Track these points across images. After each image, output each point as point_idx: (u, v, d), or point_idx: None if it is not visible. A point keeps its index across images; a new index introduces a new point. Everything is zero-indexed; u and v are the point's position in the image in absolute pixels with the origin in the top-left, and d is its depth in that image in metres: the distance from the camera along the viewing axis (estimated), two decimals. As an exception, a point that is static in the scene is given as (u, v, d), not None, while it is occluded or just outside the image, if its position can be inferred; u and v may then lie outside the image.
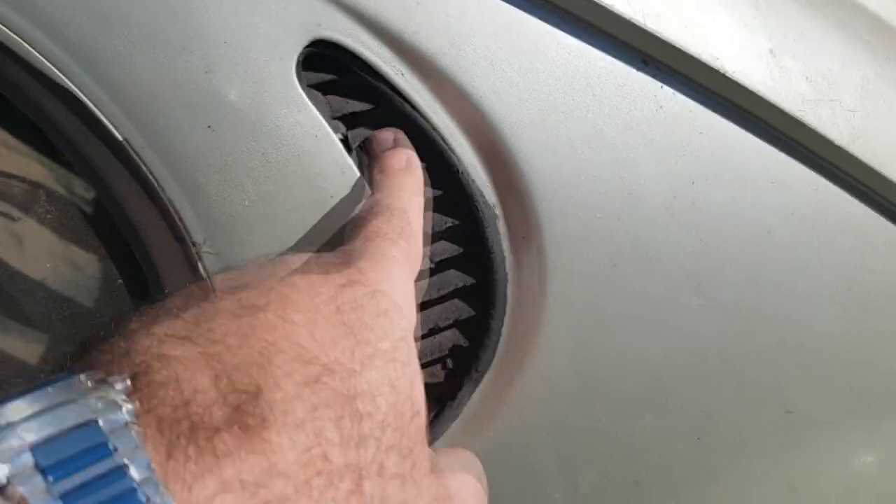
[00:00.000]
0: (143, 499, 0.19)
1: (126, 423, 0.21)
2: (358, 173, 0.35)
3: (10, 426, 0.19)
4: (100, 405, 0.21)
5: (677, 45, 0.37)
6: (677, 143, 0.39)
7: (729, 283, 0.41)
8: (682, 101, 0.38)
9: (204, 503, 0.20)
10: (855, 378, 0.46)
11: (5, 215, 0.38)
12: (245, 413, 0.22)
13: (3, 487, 0.18)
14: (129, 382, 0.22)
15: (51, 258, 0.38)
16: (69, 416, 0.20)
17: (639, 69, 0.38)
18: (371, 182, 0.35)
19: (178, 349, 0.23)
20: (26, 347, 0.39)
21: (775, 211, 0.41)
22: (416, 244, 0.33)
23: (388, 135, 0.36)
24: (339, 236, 0.34)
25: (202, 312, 0.25)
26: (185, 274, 0.34)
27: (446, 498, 0.29)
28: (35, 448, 0.19)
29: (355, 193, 0.35)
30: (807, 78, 0.41)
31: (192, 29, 0.32)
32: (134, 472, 0.20)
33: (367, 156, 0.36)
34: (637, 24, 0.36)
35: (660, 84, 0.38)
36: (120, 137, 0.32)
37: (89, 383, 0.21)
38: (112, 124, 0.32)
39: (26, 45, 0.31)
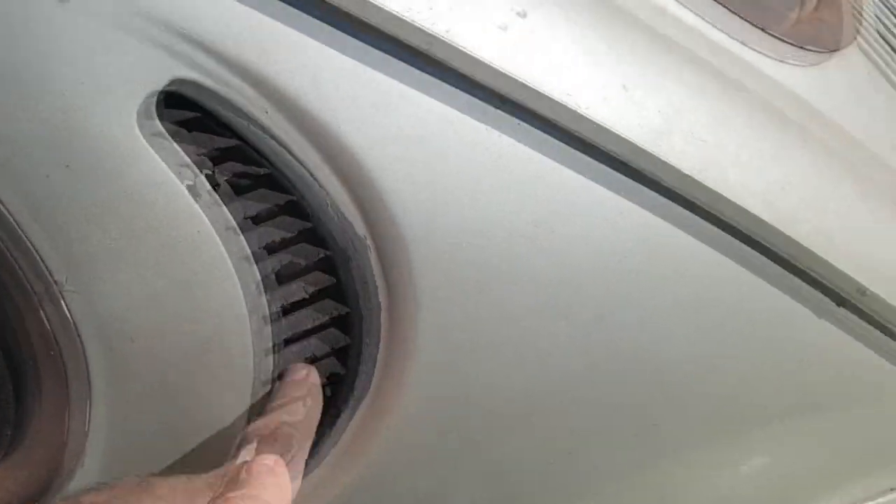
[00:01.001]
0: None
1: None
2: (205, 220, 0.36)
3: None
4: None
5: (531, 86, 0.39)
6: (536, 175, 0.41)
7: (588, 307, 0.43)
8: (539, 135, 0.40)
9: None
10: (715, 395, 0.49)
11: None
12: None
13: None
14: None
15: None
16: None
17: (496, 107, 0.39)
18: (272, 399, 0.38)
19: None
20: None
21: (627, 239, 0.43)
22: (292, 469, 0.35)
23: (300, 370, 0.39)
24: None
25: None
26: (48, 313, 0.34)
27: None
28: None
29: (209, 251, 0.36)
30: (658, 111, 0.44)
31: (52, 70, 0.32)
32: None
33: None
34: (492, 65, 0.38)
35: (517, 121, 0.40)
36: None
37: None
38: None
39: None
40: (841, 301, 0.51)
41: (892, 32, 0.69)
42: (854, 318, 0.52)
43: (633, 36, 0.44)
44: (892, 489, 0.59)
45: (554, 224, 0.41)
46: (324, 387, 0.42)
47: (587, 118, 0.41)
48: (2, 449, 0.36)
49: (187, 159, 0.36)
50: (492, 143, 0.40)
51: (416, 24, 0.36)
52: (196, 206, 0.36)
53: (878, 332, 0.53)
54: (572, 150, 0.42)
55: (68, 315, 0.34)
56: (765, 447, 0.54)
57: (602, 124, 0.41)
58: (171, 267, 0.36)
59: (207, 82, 0.35)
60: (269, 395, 0.40)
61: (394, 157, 0.38)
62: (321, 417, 0.41)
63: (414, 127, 0.38)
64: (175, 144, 0.36)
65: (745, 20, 0.51)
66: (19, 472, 0.36)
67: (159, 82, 0.34)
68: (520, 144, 0.41)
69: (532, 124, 0.41)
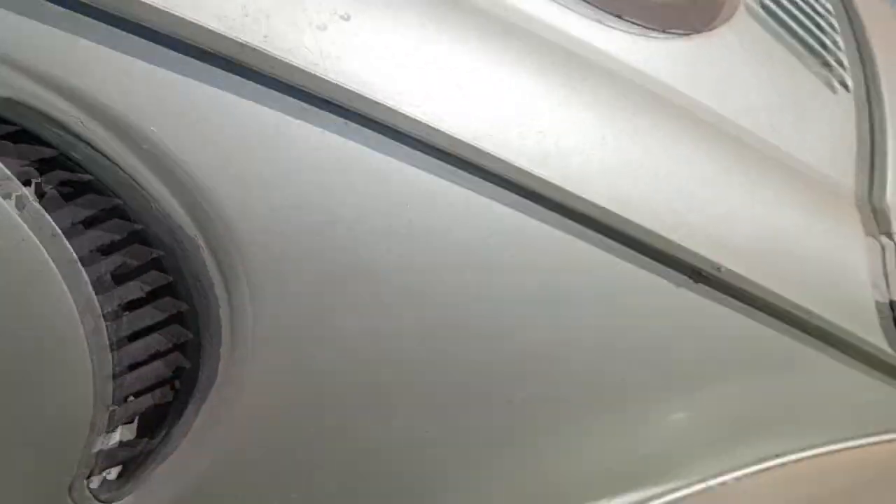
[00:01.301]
0: None
1: None
2: (28, 231, 0.37)
3: None
4: None
5: (354, 89, 0.40)
6: (374, 171, 0.42)
7: (433, 295, 0.45)
8: (365, 133, 0.42)
9: None
10: (577, 368, 0.51)
11: None
12: None
13: None
14: None
15: None
16: None
17: (319, 107, 0.41)
18: None
19: None
20: None
21: (473, 230, 0.45)
22: None
23: None
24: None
25: None
26: None
27: None
28: None
29: (30, 259, 0.37)
30: (494, 105, 0.45)
31: None
32: None
33: None
34: (312, 70, 0.39)
35: (344, 121, 0.41)
36: None
37: None
38: None
39: None
40: (698, 276, 0.53)
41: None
42: (715, 291, 0.54)
43: (467, 32, 0.45)
44: (776, 455, 0.61)
45: (412, 216, 0.43)
46: (173, 381, 0.44)
47: (416, 119, 0.42)
48: None
49: (7, 172, 0.37)
50: (322, 143, 0.41)
51: (226, 35, 0.37)
52: (17, 217, 0.37)
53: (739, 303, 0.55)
54: (405, 148, 0.43)
55: None
56: (641, 418, 0.57)
57: (431, 124, 0.42)
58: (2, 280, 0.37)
59: (20, 97, 0.36)
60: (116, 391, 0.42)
61: (216, 159, 0.39)
62: (172, 409, 0.43)
63: (235, 126, 0.39)
64: (14, 146, 0.37)
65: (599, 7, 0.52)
66: None
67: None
68: (351, 143, 0.42)
69: (364, 125, 0.42)
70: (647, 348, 0.53)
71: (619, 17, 0.56)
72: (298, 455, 0.46)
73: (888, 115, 0.69)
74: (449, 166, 0.44)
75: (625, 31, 0.56)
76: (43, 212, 0.38)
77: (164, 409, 0.44)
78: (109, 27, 0.36)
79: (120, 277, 0.42)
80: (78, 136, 0.37)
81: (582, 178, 0.48)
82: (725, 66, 0.58)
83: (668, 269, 0.52)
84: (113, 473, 0.46)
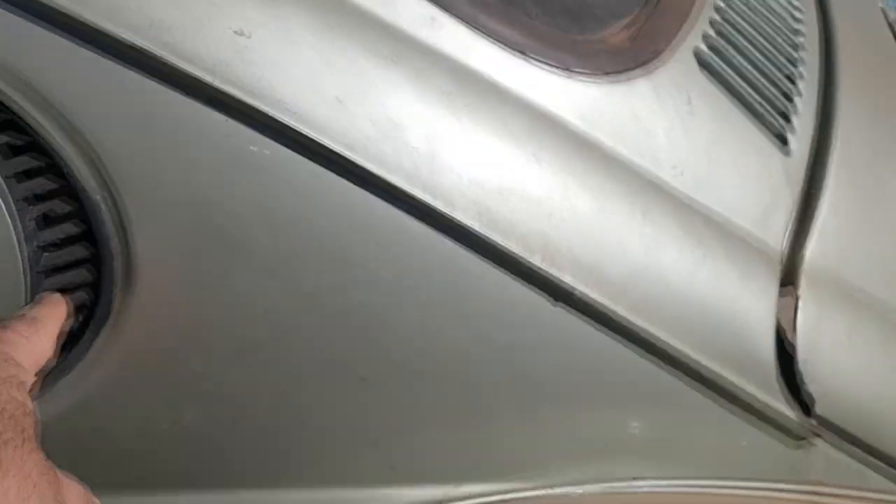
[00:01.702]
0: None
1: None
2: None
3: None
4: None
5: (239, 96, 0.48)
6: (247, 164, 0.50)
7: (300, 276, 0.53)
8: (251, 135, 0.50)
9: None
10: (420, 356, 0.57)
11: None
12: None
13: None
14: None
15: None
16: None
17: (205, 107, 0.49)
18: None
19: None
20: None
21: (340, 226, 0.52)
22: (36, 344, 0.48)
23: None
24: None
25: None
26: None
27: (55, 479, 0.41)
28: None
29: None
30: (371, 121, 0.52)
31: None
32: None
33: None
34: (202, 77, 0.47)
35: (225, 118, 0.49)
36: None
37: None
38: None
39: None
40: (562, 298, 0.58)
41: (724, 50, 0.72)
42: (582, 315, 0.59)
43: (354, 53, 0.52)
44: (633, 478, 0.65)
45: (264, 207, 0.51)
46: (78, 313, 0.54)
47: (292, 126, 0.49)
48: None
49: None
50: (201, 138, 0.50)
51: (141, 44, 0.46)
52: None
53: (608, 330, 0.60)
54: (287, 151, 0.51)
55: None
56: (491, 417, 0.62)
57: (306, 132, 0.50)
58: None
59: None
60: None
61: (125, 138, 0.49)
62: (76, 336, 0.54)
63: (133, 111, 0.48)
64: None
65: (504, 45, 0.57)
66: None
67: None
68: (229, 139, 0.50)
69: (246, 124, 0.50)
70: (505, 352, 0.58)
71: (543, 51, 0.61)
72: (169, 386, 0.55)
73: (830, 178, 0.69)
74: (326, 167, 0.51)
75: (545, 66, 0.61)
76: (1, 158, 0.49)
77: (69, 338, 0.54)
78: (38, 20, 0.46)
79: (51, 220, 0.52)
80: (13, 109, 0.47)
81: (451, 194, 0.54)
82: (637, 111, 0.62)
83: (533, 286, 0.57)
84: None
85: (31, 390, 0.45)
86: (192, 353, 0.54)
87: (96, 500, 0.47)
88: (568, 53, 0.61)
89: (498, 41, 0.57)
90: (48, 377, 0.54)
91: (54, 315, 0.51)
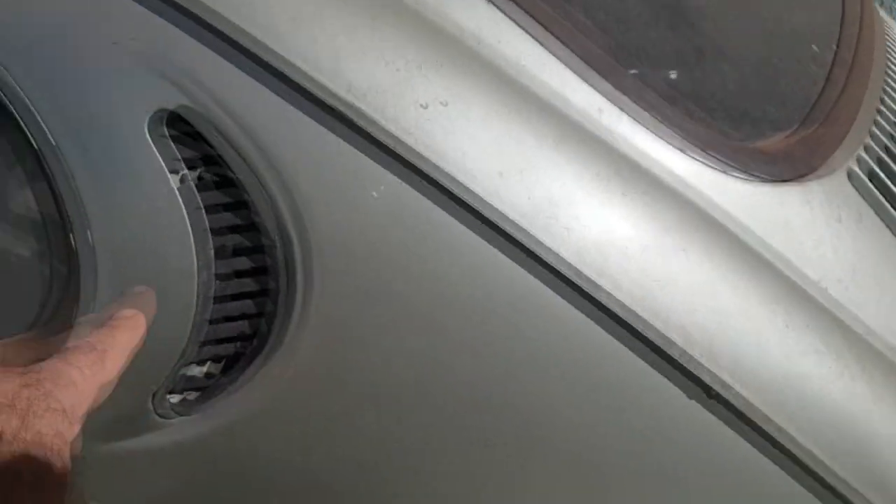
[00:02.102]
0: None
1: None
2: (180, 200, 0.54)
3: None
4: None
5: (412, 161, 0.52)
6: (404, 219, 0.54)
7: (448, 335, 0.55)
8: (407, 190, 0.53)
9: None
10: (548, 433, 0.58)
11: None
12: None
13: None
14: None
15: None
16: None
17: (384, 168, 0.53)
18: (102, 322, 0.49)
19: None
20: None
21: (485, 291, 0.55)
22: (99, 379, 0.44)
23: (129, 311, 0.50)
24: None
25: None
26: (67, 240, 0.54)
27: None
28: None
29: (178, 225, 0.53)
30: (528, 198, 0.54)
31: (86, 87, 0.52)
32: None
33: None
34: (384, 141, 0.52)
35: (399, 181, 0.53)
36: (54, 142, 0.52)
37: None
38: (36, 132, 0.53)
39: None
40: (708, 392, 0.58)
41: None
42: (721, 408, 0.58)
43: (523, 135, 0.55)
44: None
45: (423, 257, 0.54)
46: (236, 341, 0.58)
47: (476, 194, 0.53)
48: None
49: (178, 155, 0.54)
50: (385, 182, 0.54)
51: (346, 100, 0.51)
52: (176, 189, 0.54)
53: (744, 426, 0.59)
54: (466, 215, 0.54)
55: (74, 247, 0.54)
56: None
57: (484, 198, 0.53)
58: (150, 225, 0.54)
59: (196, 106, 0.53)
60: (195, 333, 0.56)
61: (309, 183, 0.53)
62: (242, 362, 0.58)
63: (330, 163, 0.53)
64: (171, 143, 0.55)
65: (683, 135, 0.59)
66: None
67: (158, 105, 0.53)
68: (408, 198, 0.54)
69: (408, 182, 0.54)
70: (639, 439, 0.58)
71: (703, 150, 0.62)
72: (309, 422, 0.58)
73: None
74: (476, 232, 0.54)
75: (703, 164, 0.62)
76: (195, 190, 0.54)
77: (239, 357, 0.58)
78: (250, 69, 0.52)
79: (236, 251, 0.57)
80: (231, 144, 0.53)
81: (615, 277, 0.55)
82: (789, 219, 0.62)
83: (680, 378, 0.57)
84: (192, 396, 0.61)
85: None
86: (337, 392, 0.57)
87: None
88: (725, 153, 0.62)
89: (658, 135, 0.59)
90: (207, 396, 0.58)
91: (127, 344, 0.48)
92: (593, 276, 0.55)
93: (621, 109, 0.59)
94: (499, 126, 0.55)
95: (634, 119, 0.59)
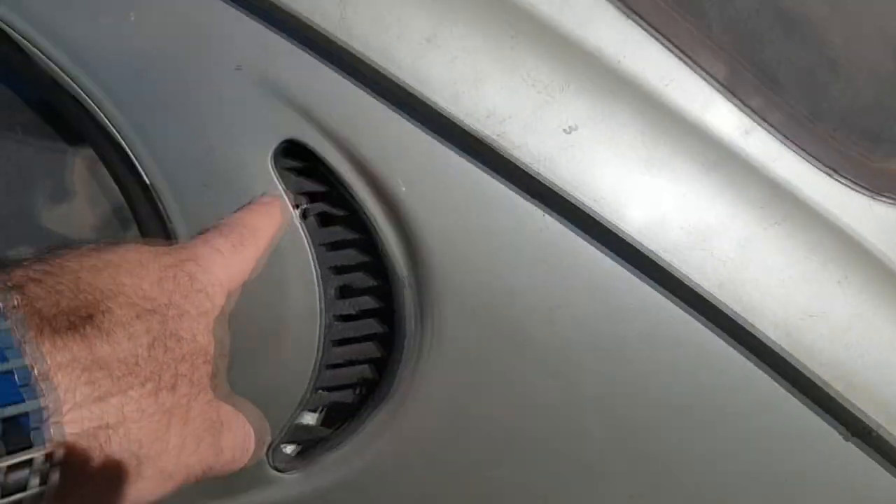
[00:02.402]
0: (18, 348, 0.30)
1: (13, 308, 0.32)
2: (303, 234, 0.49)
3: None
4: None
5: (558, 190, 0.47)
6: (550, 262, 0.49)
7: (584, 382, 0.51)
8: (561, 229, 0.49)
9: (55, 366, 0.32)
10: (696, 487, 0.53)
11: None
12: (90, 323, 0.34)
13: None
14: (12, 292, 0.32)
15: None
16: None
17: (527, 199, 0.49)
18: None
19: (32, 286, 0.33)
20: None
21: (633, 329, 0.50)
22: (239, 263, 0.44)
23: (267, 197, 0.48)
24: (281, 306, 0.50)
25: (50, 267, 0.35)
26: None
27: (217, 423, 0.41)
28: None
29: (300, 258, 0.49)
30: (681, 228, 0.50)
31: (206, 117, 0.48)
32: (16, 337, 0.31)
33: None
34: (528, 169, 0.47)
35: (542, 213, 0.49)
36: (148, 182, 0.48)
37: None
38: (144, 172, 0.48)
39: (99, 112, 0.48)
40: (857, 432, 0.53)
41: None
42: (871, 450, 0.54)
43: (673, 160, 0.51)
44: None
45: (562, 304, 0.49)
46: (357, 386, 0.54)
47: (607, 224, 0.49)
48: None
49: (301, 189, 0.50)
50: (520, 230, 0.49)
51: (470, 127, 0.47)
52: (300, 224, 0.49)
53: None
54: (593, 248, 0.50)
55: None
56: None
57: (619, 231, 0.49)
58: (270, 264, 0.49)
59: (311, 145, 0.49)
60: (315, 378, 0.52)
61: (439, 223, 0.49)
62: (365, 409, 0.53)
63: (459, 203, 0.49)
64: (296, 177, 0.50)
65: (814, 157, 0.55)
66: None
67: (285, 136, 0.48)
68: (542, 232, 0.49)
69: (558, 219, 0.49)
70: (786, 483, 0.54)
71: (854, 173, 0.57)
72: (436, 474, 0.53)
73: None
74: (628, 268, 0.50)
75: (851, 188, 0.57)
76: (317, 226, 0.50)
77: (347, 408, 0.54)
78: (381, 99, 0.48)
79: (359, 291, 0.53)
80: (342, 181, 0.49)
81: (756, 310, 0.51)
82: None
83: (828, 416, 0.53)
84: (289, 449, 0.56)
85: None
86: (466, 443, 0.52)
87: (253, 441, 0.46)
88: (873, 175, 0.57)
89: (808, 157, 0.55)
90: (311, 449, 0.54)
91: (266, 230, 0.46)
92: (751, 318, 0.50)
93: (768, 131, 0.54)
94: (646, 151, 0.50)
95: (782, 141, 0.54)
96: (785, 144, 0.54)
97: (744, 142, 0.53)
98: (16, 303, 0.32)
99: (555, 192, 0.48)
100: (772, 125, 0.54)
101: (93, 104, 0.48)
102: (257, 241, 0.45)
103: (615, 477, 0.53)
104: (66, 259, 0.36)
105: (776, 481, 0.53)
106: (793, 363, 0.51)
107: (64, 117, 0.53)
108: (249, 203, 0.47)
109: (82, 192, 0.57)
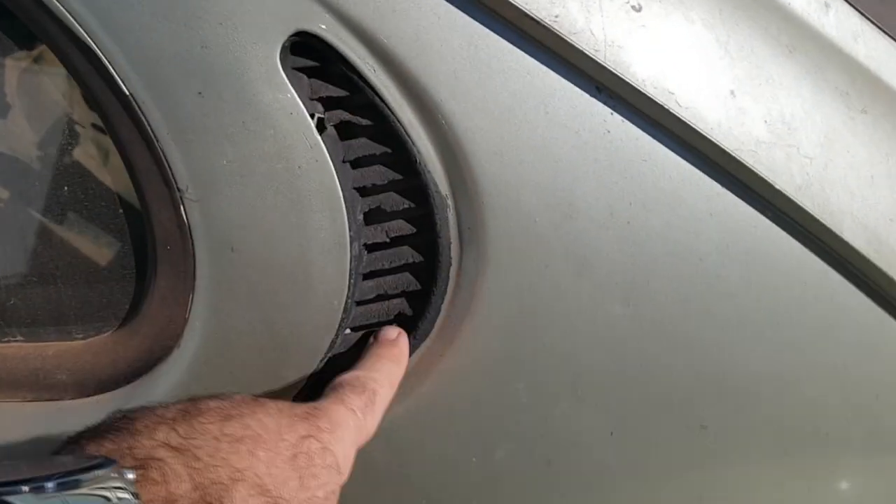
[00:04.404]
0: None
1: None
2: (325, 152, 0.41)
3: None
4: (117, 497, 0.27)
5: (629, 80, 0.40)
6: (620, 166, 0.42)
7: (655, 299, 0.44)
8: (630, 128, 0.42)
9: None
10: (775, 410, 0.49)
11: (98, 127, 0.44)
12: None
13: None
14: (134, 476, 0.29)
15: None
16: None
17: (592, 95, 0.41)
18: (363, 355, 0.43)
19: (170, 457, 0.31)
20: (98, 250, 0.46)
21: (710, 241, 0.44)
22: (371, 421, 0.41)
23: (392, 332, 0.44)
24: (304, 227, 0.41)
25: (192, 430, 0.33)
26: (170, 214, 0.41)
27: None
28: None
29: (323, 181, 0.40)
30: (765, 121, 0.43)
31: (194, 7, 0.38)
32: None
33: (373, 339, 0.45)
34: (592, 56, 0.39)
35: (609, 110, 0.41)
36: (126, 92, 0.38)
37: (112, 474, 0.28)
38: (122, 80, 0.38)
39: (56, 3, 0.37)
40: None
41: None
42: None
43: (753, 41, 0.43)
44: None
45: (630, 216, 0.43)
46: (391, 322, 0.46)
47: (683, 120, 0.41)
48: (119, 320, 0.44)
49: (317, 96, 0.41)
50: (582, 131, 0.42)
51: (523, 9, 0.38)
52: (318, 137, 0.40)
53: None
54: (662, 147, 0.43)
55: (185, 219, 0.41)
56: (842, 475, 0.53)
57: (697, 127, 0.41)
58: (284, 189, 0.41)
59: (328, 36, 0.39)
60: (345, 318, 0.45)
61: (484, 130, 0.41)
62: None
63: (507, 106, 0.41)
64: (308, 80, 0.41)
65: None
66: (129, 340, 0.43)
67: (297, 26, 0.39)
68: (608, 135, 0.42)
69: (626, 116, 0.42)
70: (867, 406, 0.49)
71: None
72: (487, 417, 0.47)
73: None
74: (705, 171, 0.43)
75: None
76: (337, 138, 0.41)
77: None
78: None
79: (391, 214, 0.44)
80: (367, 83, 0.40)
81: (838, 214, 0.45)
82: None
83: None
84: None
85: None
86: (521, 381, 0.46)
87: None
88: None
89: (888, 32, 0.48)
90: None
91: (398, 372, 0.44)
92: (833, 223, 0.44)
93: (848, 3, 0.47)
94: (725, 31, 0.43)
95: (861, 14, 0.47)
96: (865, 19, 0.47)
97: (824, 18, 0.46)
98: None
99: (622, 83, 0.41)
100: (851, -2, 0.47)
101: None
102: (389, 394, 0.42)
103: (689, 407, 0.47)
104: (208, 424, 0.34)
105: (861, 392, 0.49)
106: (880, 272, 0.46)
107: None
108: (379, 340, 0.44)
109: (19, 106, 0.46)
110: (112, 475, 0.28)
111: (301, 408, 0.38)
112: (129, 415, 0.33)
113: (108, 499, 0.27)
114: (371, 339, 0.45)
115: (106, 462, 0.28)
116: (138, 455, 0.30)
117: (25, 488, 0.25)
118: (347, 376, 0.42)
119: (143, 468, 0.30)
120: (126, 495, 0.27)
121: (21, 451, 0.43)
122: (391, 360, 0.43)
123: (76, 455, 0.30)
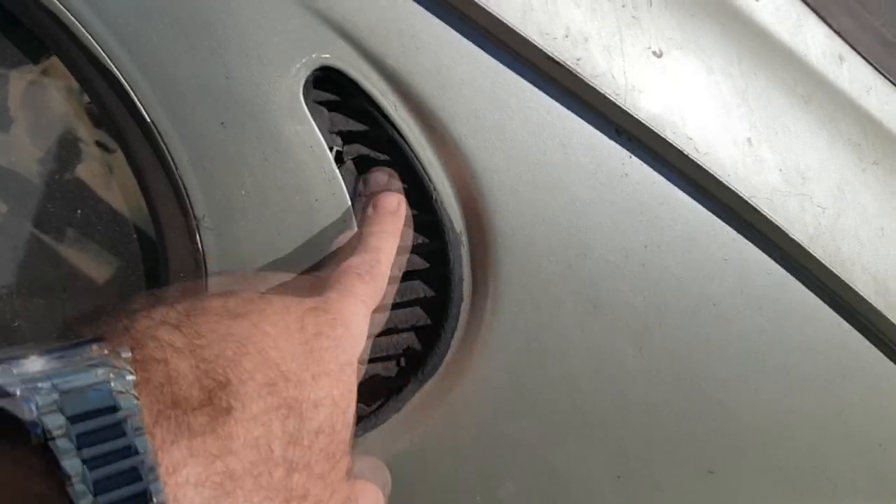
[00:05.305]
0: (135, 451, 0.24)
1: (127, 390, 0.26)
2: (343, 186, 0.41)
3: (43, 376, 0.24)
4: (111, 373, 0.26)
5: (648, 125, 0.40)
6: (636, 209, 0.42)
7: (666, 343, 0.44)
8: (648, 172, 0.42)
9: (175, 463, 0.26)
10: (783, 457, 0.48)
11: (102, 145, 0.44)
12: (215, 399, 0.28)
13: (31, 422, 0.23)
14: (130, 354, 0.27)
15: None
16: (87, 377, 0.25)
17: (611, 137, 0.41)
18: (360, 215, 0.41)
19: (169, 335, 0.29)
20: (99, 268, 0.46)
21: (724, 286, 0.44)
22: (380, 283, 0.38)
23: (383, 175, 0.41)
24: (319, 258, 0.40)
25: (193, 308, 0.31)
26: (185, 242, 0.41)
27: (352, 500, 0.35)
28: (62, 395, 0.24)
29: (340, 215, 0.41)
30: (780, 170, 0.43)
31: (220, 38, 0.38)
32: (130, 428, 0.25)
33: (363, 188, 0.41)
34: (613, 99, 0.40)
35: (628, 154, 0.41)
36: (148, 119, 0.38)
37: (104, 351, 0.26)
38: (143, 106, 0.38)
39: (80, 27, 0.37)
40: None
41: None
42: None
43: (770, 91, 0.44)
44: None
45: (645, 258, 0.43)
46: (399, 357, 0.46)
47: (701, 165, 0.42)
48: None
49: (336, 129, 0.41)
50: (599, 173, 0.42)
51: (545, 50, 0.39)
52: (336, 170, 0.40)
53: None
54: (679, 192, 0.43)
55: (200, 247, 0.40)
56: None
57: (713, 172, 0.42)
58: (301, 221, 0.41)
59: (350, 71, 0.39)
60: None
61: (501, 168, 0.41)
62: (390, 388, 0.46)
63: (526, 145, 0.41)
64: (328, 114, 0.41)
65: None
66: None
67: (322, 62, 0.39)
68: (626, 178, 0.42)
69: (644, 160, 0.42)
70: (868, 456, 0.49)
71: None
72: (493, 453, 0.47)
73: None
74: (721, 217, 0.43)
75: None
76: (355, 171, 0.41)
77: (386, 382, 0.46)
78: (439, 20, 0.39)
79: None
80: (388, 119, 0.40)
81: (848, 264, 0.45)
82: None
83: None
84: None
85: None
86: (528, 420, 0.46)
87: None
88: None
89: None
90: (360, 425, 0.47)
91: (394, 245, 0.41)
92: (843, 272, 0.45)
93: (862, 56, 0.48)
94: (743, 80, 0.43)
95: (875, 67, 0.48)
96: (878, 72, 0.48)
97: (837, 70, 0.46)
98: (131, 384, 0.26)
99: (642, 127, 0.41)
100: (866, 51, 0.48)
101: (69, 14, 0.37)
102: (386, 266, 0.40)
103: (699, 451, 0.47)
104: (207, 320, 0.31)
105: (867, 441, 0.49)
106: (888, 323, 0.46)
107: (26, 31, 0.42)
108: (372, 203, 0.41)
109: (22, 120, 0.46)
110: (104, 352, 0.26)
111: (306, 279, 0.37)
112: (126, 300, 0.31)
113: (98, 375, 0.25)
114: (369, 210, 0.41)
115: (96, 340, 0.26)
116: (136, 334, 0.28)
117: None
118: (346, 241, 0.40)
119: (141, 347, 0.28)
120: (122, 374, 0.25)
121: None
122: (394, 234, 0.41)
123: (68, 337, 0.28)
